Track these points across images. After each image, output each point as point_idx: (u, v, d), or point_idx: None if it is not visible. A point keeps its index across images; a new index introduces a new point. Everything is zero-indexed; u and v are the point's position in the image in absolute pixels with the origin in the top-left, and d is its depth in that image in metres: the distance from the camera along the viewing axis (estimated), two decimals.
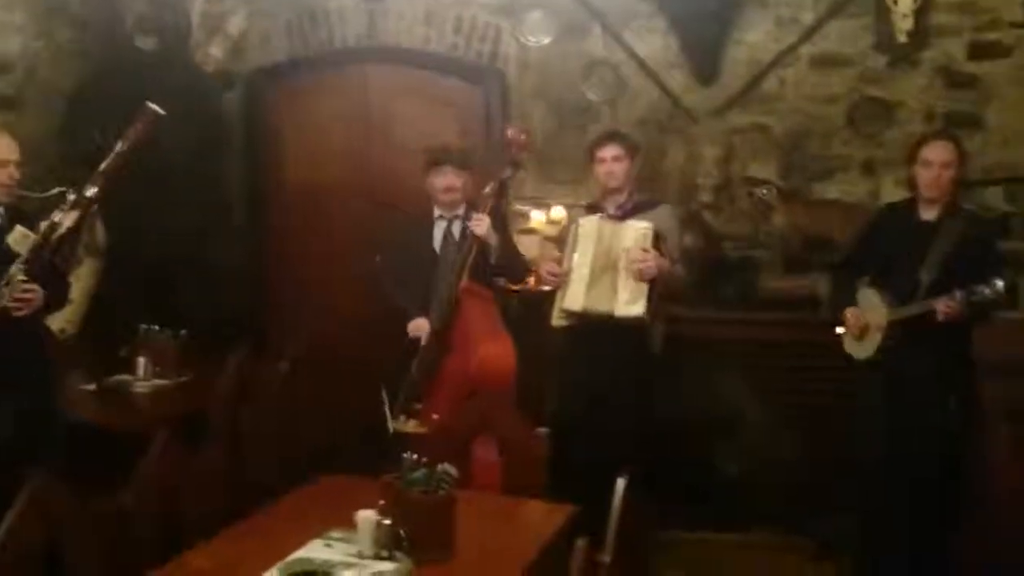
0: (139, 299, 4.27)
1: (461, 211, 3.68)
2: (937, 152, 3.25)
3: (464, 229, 3.62)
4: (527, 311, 4.17)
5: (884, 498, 3.30)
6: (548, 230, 4.55)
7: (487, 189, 3.54)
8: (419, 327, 3.56)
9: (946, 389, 3.23)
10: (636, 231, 3.41)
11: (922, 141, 3.34)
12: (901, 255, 3.29)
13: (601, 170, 3.59)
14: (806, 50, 4.38)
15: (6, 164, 3.00)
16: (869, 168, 4.33)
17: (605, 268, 3.43)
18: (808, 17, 4.36)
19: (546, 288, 3.79)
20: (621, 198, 3.60)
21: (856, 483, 3.46)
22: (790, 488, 3.88)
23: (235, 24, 4.75)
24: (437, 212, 3.71)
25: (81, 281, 4.00)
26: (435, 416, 3.35)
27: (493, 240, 3.52)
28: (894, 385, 3.27)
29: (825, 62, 4.38)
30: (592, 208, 3.66)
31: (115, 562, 2.30)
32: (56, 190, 3.06)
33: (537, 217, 4.60)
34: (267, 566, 2.21)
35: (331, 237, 4.85)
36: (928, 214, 3.30)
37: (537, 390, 3.64)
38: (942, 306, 3.06)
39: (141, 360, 3.80)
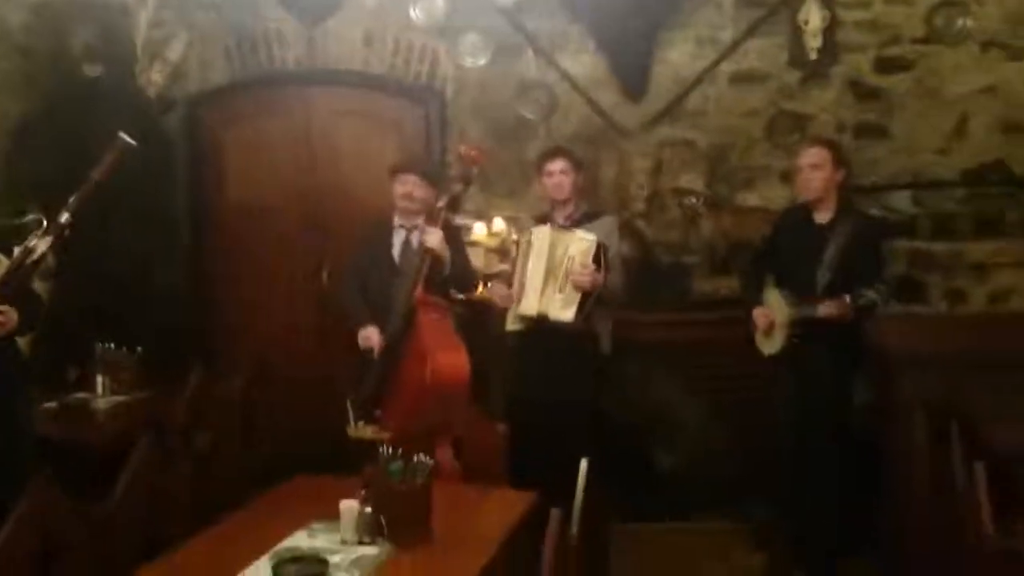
0: (89, 319, 4.33)
1: (420, 221, 3.78)
2: (805, 157, 3.62)
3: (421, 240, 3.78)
4: (473, 317, 4.38)
5: (803, 483, 3.61)
6: (489, 242, 4.76)
7: (440, 203, 3.68)
8: (369, 336, 3.67)
9: (846, 380, 3.59)
10: (582, 242, 3.66)
11: (799, 149, 3.73)
12: (799, 256, 3.63)
13: (549, 183, 3.83)
14: (726, 67, 4.72)
15: None
16: (787, 177, 4.65)
17: (557, 277, 3.67)
18: (727, 36, 4.70)
19: (486, 297, 4.00)
20: (568, 209, 3.84)
21: (780, 470, 3.75)
22: (725, 477, 4.15)
23: (175, 49, 4.85)
24: (397, 221, 3.83)
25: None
26: (393, 423, 3.50)
27: (446, 253, 3.65)
28: (799, 378, 3.60)
29: (744, 79, 4.72)
30: (542, 219, 3.89)
31: (106, 564, 2.42)
32: (31, 217, 3.13)
33: (479, 230, 4.79)
34: (256, 556, 2.37)
35: (273, 256, 4.96)
36: (821, 217, 3.63)
37: (488, 390, 3.84)
38: (831, 309, 3.44)
39: (100, 378, 3.88)
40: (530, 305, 3.71)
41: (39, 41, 4.64)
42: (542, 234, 3.74)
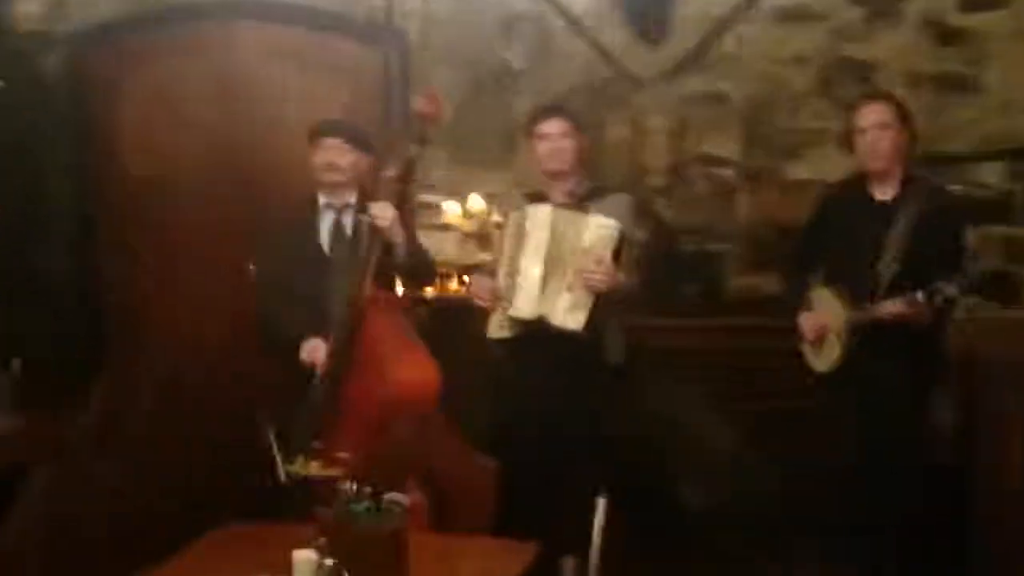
0: None
1: (352, 199, 3.86)
2: (869, 115, 3.70)
3: (358, 223, 3.83)
4: (445, 321, 4.46)
5: (871, 524, 3.67)
6: (466, 225, 4.85)
7: (390, 172, 3.70)
8: (314, 350, 3.70)
9: (922, 400, 3.66)
10: (600, 230, 3.69)
11: (855, 107, 3.80)
12: (856, 243, 3.67)
13: (543, 149, 3.87)
14: (768, 3, 4.83)
15: None
16: (847, 142, 4.78)
17: (563, 272, 3.70)
18: None
19: (465, 294, 4.08)
20: (568, 184, 3.88)
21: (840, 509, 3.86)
22: (767, 517, 4.26)
23: None
24: (322, 200, 3.89)
25: None
26: (343, 455, 3.57)
27: (399, 236, 3.69)
28: (862, 400, 3.65)
29: (791, 16, 4.84)
30: (536, 197, 3.92)
31: None
32: None
33: (451, 209, 4.88)
34: None
35: (185, 240, 5.00)
36: (882, 193, 3.71)
37: (469, 413, 3.91)
38: (899, 308, 3.46)
39: None
40: (525, 306, 3.74)
41: None
42: (541, 215, 3.78)
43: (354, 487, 2.68)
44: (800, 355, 3.87)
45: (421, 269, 4.00)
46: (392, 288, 3.90)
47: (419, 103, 3.82)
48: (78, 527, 2.98)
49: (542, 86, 4.92)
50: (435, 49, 5.03)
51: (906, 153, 3.72)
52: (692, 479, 4.34)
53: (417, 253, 3.89)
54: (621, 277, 3.69)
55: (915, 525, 3.60)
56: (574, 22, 4.93)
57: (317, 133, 3.90)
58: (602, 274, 3.64)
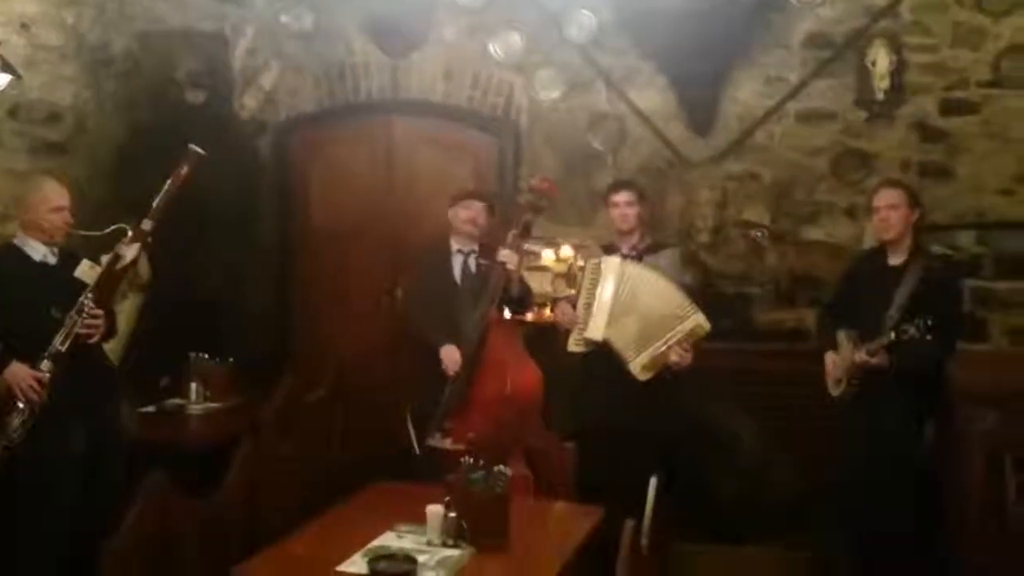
0: (180, 332, 4.63)
1: (476, 247, 4.06)
2: (882, 197, 3.69)
3: (479, 264, 4.01)
4: (539, 339, 4.59)
5: (869, 518, 3.65)
6: (557, 267, 4.98)
7: (515, 229, 3.92)
8: (452, 354, 3.86)
9: (915, 430, 3.58)
10: (698, 325, 3.77)
11: (873, 191, 3.81)
12: (872, 299, 3.66)
13: (615, 214, 4.02)
14: (793, 106, 4.88)
15: (62, 209, 3.38)
16: (851, 213, 4.80)
17: (627, 310, 3.82)
18: (794, 77, 4.87)
19: (556, 321, 4.19)
20: (633, 239, 4.02)
21: (844, 503, 3.84)
22: (784, 505, 4.26)
23: (268, 77, 5.19)
24: (455, 246, 4.07)
25: (124, 315, 4.37)
26: (470, 435, 3.71)
27: (516, 276, 3.91)
28: (864, 427, 3.63)
29: (810, 117, 4.87)
30: (608, 248, 4.07)
31: (214, 556, 2.67)
32: (113, 227, 3.41)
33: (547, 255, 5.02)
34: (350, 553, 2.61)
35: (352, 277, 5.23)
36: (895, 259, 3.68)
37: (556, 407, 4.01)
38: (866, 357, 3.47)
39: (193, 385, 4.18)
40: (596, 330, 3.86)
41: (143, 67, 5.01)
42: (612, 263, 3.91)
43: (472, 460, 2.83)
44: (817, 376, 3.85)
45: (525, 300, 4.17)
46: (503, 313, 4.04)
47: (539, 183, 3.99)
48: (268, 489, 3.13)
49: (618, 166, 5.02)
50: (540, 136, 5.15)
51: (914, 227, 3.69)
52: (724, 472, 4.36)
53: (523, 288, 4.05)
54: (689, 360, 3.79)
55: (903, 527, 3.56)
56: (644, 118, 5.03)
57: (465, 196, 4.09)
58: (687, 357, 3.77)
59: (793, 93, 4.87)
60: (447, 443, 3.69)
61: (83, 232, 3.46)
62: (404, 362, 4.54)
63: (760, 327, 4.77)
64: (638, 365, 3.80)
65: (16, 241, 3.38)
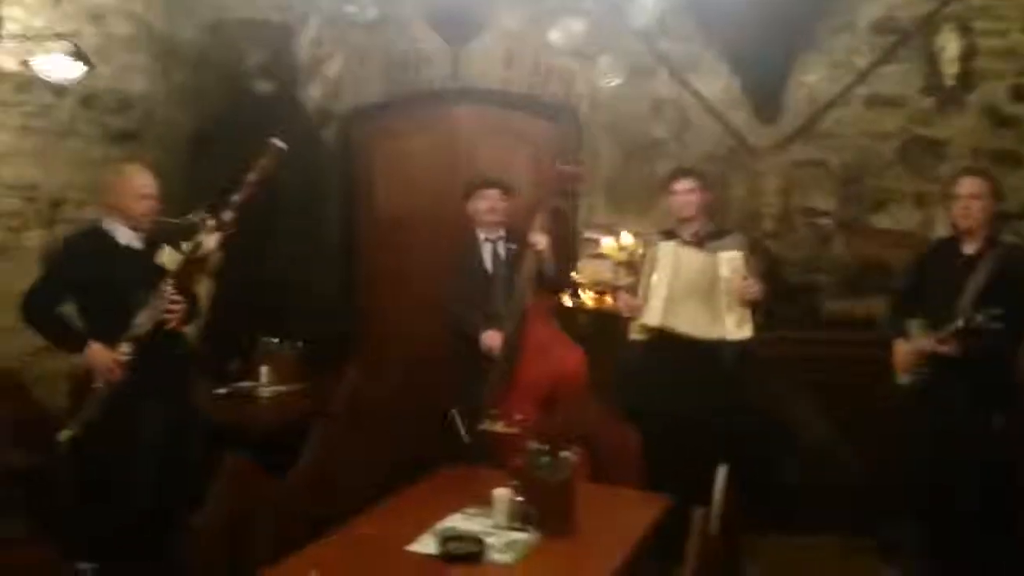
0: (249, 317, 4.73)
1: (503, 233, 4.07)
2: (965, 186, 3.63)
3: (509, 250, 4.03)
4: (598, 326, 4.59)
5: (939, 504, 3.62)
6: (618, 255, 4.95)
7: (543, 212, 3.89)
8: (492, 338, 3.89)
9: (986, 419, 3.53)
10: (731, 260, 3.82)
11: (954, 178, 3.75)
12: (944, 287, 3.62)
13: (675, 201, 4.01)
14: (860, 91, 4.80)
15: (149, 197, 3.48)
16: (920, 200, 4.71)
17: (689, 291, 3.83)
18: (862, 62, 4.78)
19: (616, 308, 4.18)
20: (694, 226, 4.01)
21: (913, 490, 3.80)
22: (851, 493, 4.22)
23: (333, 67, 5.26)
24: (482, 235, 4.09)
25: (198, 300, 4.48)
26: (518, 417, 3.74)
27: (549, 257, 3.88)
28: (933, 414, 3.60)
29: (878, 103, 4.78)
30: (667, 235, 4.05)
31: (288, 532, 2.73)
32: (194, 216, 3.50)
33: (607, 243, 5.00)
34: (419, 533, 2.65)
35: (414, 264, 5.26)
36: (969, 248, 3.63)
37: (620, 395, 4.01)
38: (934, 344, 3.45)
39: (263, 368, 4.27)
40: (654, 316, 3.85)
41: (211, 57, 5.10)
42: (668, 249, 3.90)
43: (537, 446, 2.84)
44: (884, 365, 3.81)
45: (561, 280, 4.17)
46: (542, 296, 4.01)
47: (565, 168, 3.98)
48: (340, 469, 3.19)
49: (680, 153, 4.98)
50: (600, 124, 5.13)
51: (991, 218, 3.65)
52: (789, 459, 4.33)
53: (557, 267, 4.01)
54: (763, 285, 3.82)
55: (970, 515, 3.52)
56: (707, 104, 4.98)
57: (478, 186, 4.09)
58: (754, 286, 3.78)
59: (860, 79, 4.78)
60: (499, 426, 3.72)
61: (166, 220, 3.54)
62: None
63: (826, 315, 4.70)
64: (729, 330, 3.80)
65: (104, 225, 3.49)
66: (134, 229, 3.48)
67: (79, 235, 3.58)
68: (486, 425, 3.76)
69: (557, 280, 4.09)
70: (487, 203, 4.03)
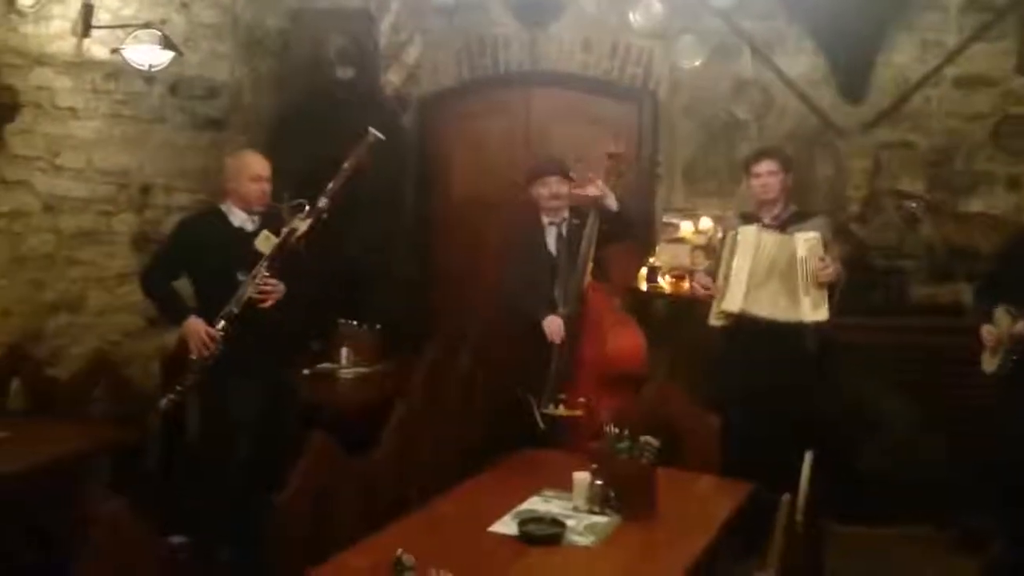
0: (330, 299, 4.79)
1: (566, 215, 4.00)
2: None
3: (572, 225, 3.94)
4: (676, 312, 4.54)
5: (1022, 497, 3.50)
6: (696, 239, 4.91)
7: (599, 182, 3.82)
8: (554, 322, 3.83)
9: None
10: (808, 241, 3.72)
11: None
12: None
13: (757, 184, 3.92)
14: (950, 71, 4.64)
15: (261, 179, 3.59)
16: (1014, 183, 4.55)
17: (768, 275, 3.75)
18: (952, 40, 4.62)
19: (693, 292, 4.11)
20: (776, 209, 3.92)
21: (1000, 481, 3.68)
22: (934, 483, 4.11)
23: (411, 53, 5.30)
24: (546, 220, 4.02)
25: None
26: (582, 400, 3.72)
27: (610, 198, 3.80)
28: (1021, 397, 3.46)
29: (969, 82, 4.62)
30: (749, 218, 3.97)
31: (368, 510, 2.77)
32: (295, 202, 3.60)
33: (686, 227, 4.95)
34: (500, 515, 2.66)
35: (492, 248, 5.24)
36: None
37: (700, 381, 3.97)
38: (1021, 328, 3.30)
39: (344, 350, 4.34)
40: (733, 302, 3.78)
41: (294, 46, 5.18)
42: (749, 233, 3.82)
43: (617, 430, 2.83)
44: (976, 354, 3.68)
45: (629, 216, 4.02)
46: (600, 280, 3.97)
47: (611, 146, 3.93)
48: (418, 450, 3.23)
49: (763, 134, 4.88)
50: (679, 106, 5.07)
51: None
52: (873, 449, 4.22)
53: (619, 205, 3.88)
54: (840, 267, 3.72)
55: None
56: (791, 85, 4.87)
57: (538, 174, 4.02)
58: (830, 267, 3.68)
59: (951, 58, 4.62)
60: (562, 411, 3.71)
61: (275, 204, 3.65)
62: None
63: (914, 302, 4.57)
64: (805, 312, 3.71)
65: (222, 207, 3.65)
66: (247, 212, 3.59)
67: (197, 215, 3.85)
68: (549, 409, 3.76)
69: (624, 218, 3.94)
70: (548, 189, 3.98)
